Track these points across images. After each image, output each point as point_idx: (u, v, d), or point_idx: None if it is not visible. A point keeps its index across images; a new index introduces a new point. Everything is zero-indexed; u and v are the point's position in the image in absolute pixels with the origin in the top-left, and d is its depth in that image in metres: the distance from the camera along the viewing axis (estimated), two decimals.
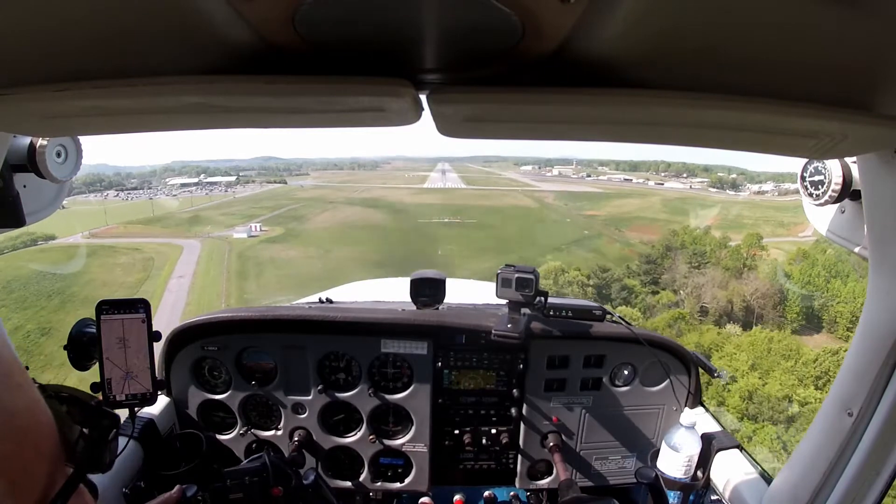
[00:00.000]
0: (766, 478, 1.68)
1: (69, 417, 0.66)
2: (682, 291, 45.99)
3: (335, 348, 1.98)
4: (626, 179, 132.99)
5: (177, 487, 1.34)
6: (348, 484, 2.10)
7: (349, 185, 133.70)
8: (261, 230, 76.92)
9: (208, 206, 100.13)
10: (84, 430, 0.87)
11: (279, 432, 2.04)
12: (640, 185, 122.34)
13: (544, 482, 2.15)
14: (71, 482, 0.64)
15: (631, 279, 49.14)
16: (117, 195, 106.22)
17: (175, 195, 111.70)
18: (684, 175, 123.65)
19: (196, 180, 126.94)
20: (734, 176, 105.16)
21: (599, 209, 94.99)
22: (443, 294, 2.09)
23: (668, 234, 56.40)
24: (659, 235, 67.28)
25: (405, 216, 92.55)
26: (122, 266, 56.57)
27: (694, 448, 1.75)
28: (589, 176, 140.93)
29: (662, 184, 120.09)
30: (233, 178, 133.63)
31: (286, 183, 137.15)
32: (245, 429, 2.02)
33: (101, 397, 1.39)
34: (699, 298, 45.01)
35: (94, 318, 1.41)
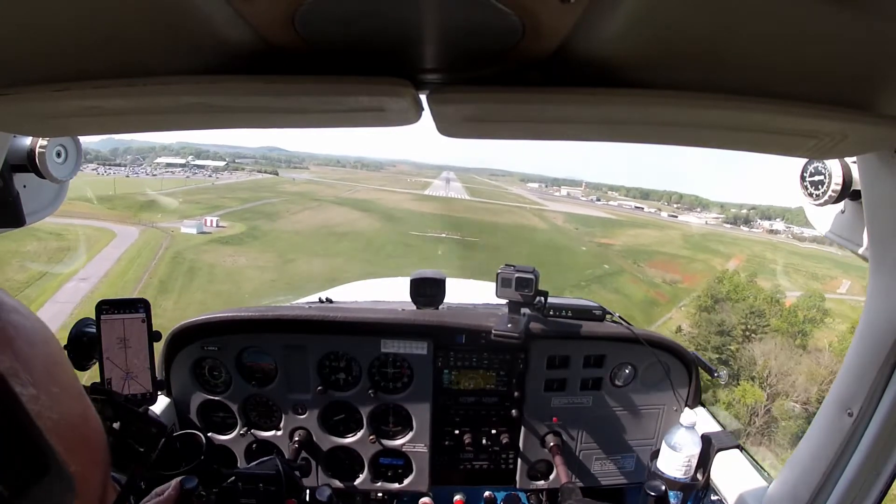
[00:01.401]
0: (766, 478, 1.68)
1: (103, 419, 0.68)
2: (762, 375, 31.81)
3: (335, 348, 1.98)
4: (637, 207, 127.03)
5: (174, 482, 1.31)
6: (348, 484, 2.10)
7: (343, 184, 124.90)
8: (216, 226, 63.62)
9: (177, 191, 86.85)
10: (129, 438, 0.88)
11: (279, 432, 2.04)
12: (652, 216, 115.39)
13: (544, 483, 2.15)
14: (125, 494, 0.67)
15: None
16: (95, 169, 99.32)
17: (155, 175, 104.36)
18: (698, 209, 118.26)
19: (184, 161, 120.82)
20: (745, 211, 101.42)
21: (614, 237, 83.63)
22: (443, 294, 2.09)
23: (712, 281, 45.28)
24: (682, 274, 59.41)
25: (397, 225, 79.84)
26: (25, 256, 44.58)
27: (694, 448, 1.75)
28: (599, 200, 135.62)
29: (676, 216, 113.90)
30: (222, 164, 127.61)
31: (277, 174, 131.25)
32: (245, 429, 2.02)
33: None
34: (786, 395, 31.97)
35: (95, 318, 1.42)
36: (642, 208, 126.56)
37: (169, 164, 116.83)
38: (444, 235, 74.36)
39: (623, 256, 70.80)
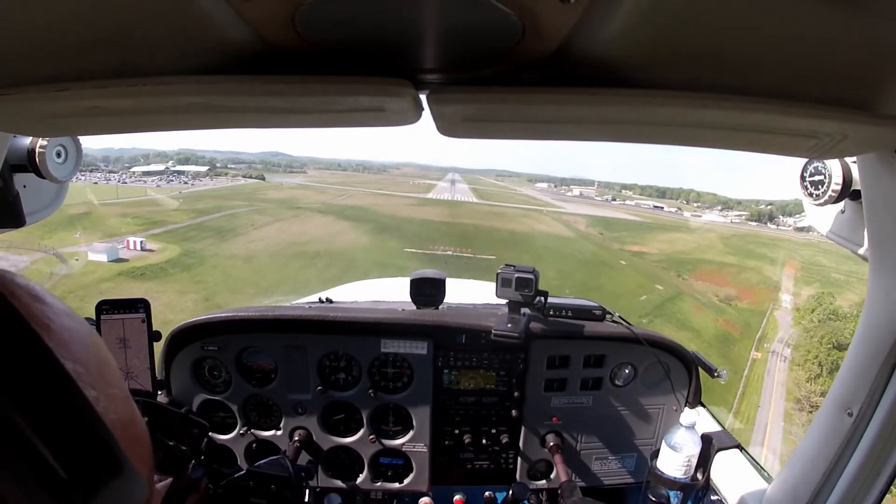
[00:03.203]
0: (766, 478, 1.68)
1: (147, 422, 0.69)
2: None
3: (335, 348, 1.98)
4: (656, 207, 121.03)
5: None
6: (349, 484, 2.10)
7: (337, 188, 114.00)
8: (141, 248, 49.49)
9: (129, 200, 73.82)
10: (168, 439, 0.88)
11: (279, 432, 2.04)
12: (676, 216, 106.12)
13: (544, 482, 2.15)
14: (174, 493, 0.68)
15: None
16: None
17: (126, 182, 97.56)
18: (718, 207, 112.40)
19: (162, 168, 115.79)
20: (769, 207, 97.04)
21: (646, 244, 71.98)
22: (443, 294, 2.09)
23: (823, 315, 33.75)
24: (736, 288, 49.30)
25: (390, 238, 64.91)
26: None
27: (694, 448, 1.75)
28: (614, 199, 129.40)
29: (700, 216, 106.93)
30: (203, 169, 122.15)
31: (264, 179, 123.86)
32: (245, 429, 2.02)
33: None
34: None
35: (95, 318, 1.42)
36: (662, 207, 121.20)
37: (146, 173, 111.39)
38: (450, 252, 57.29)
39: (664, 268, 59.63)
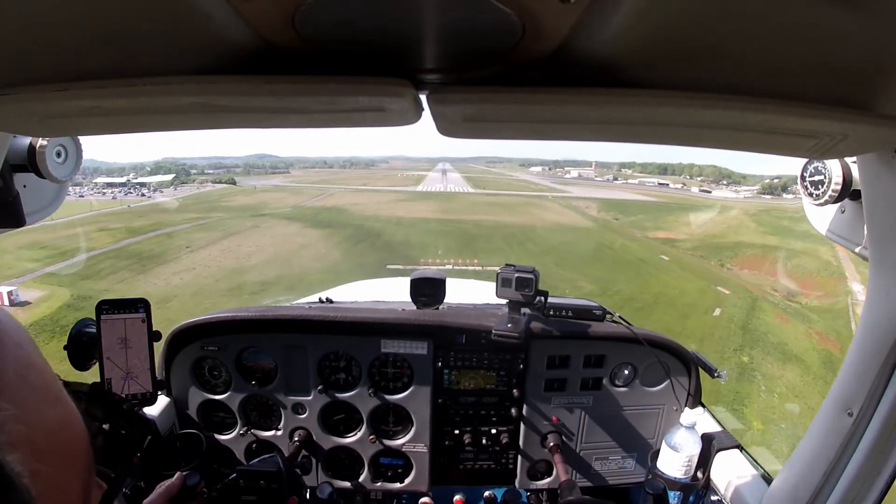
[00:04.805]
0: (766, 478, 1.68)
1: (90, 418, 0.66)
2: None
3: (335, 348, 1.98)
4: (661, 184, 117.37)
5: (177, 475, 1.30)
6: (348, 484, 2.10)
7: (316, 187, 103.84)
8: (10, 303, 31.20)
9: (56, 223, 52.06)
10: (104, 426, 0.86)
11: (279, 432, 2.05)
12: (685, 192, 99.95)
13: (544, 482, 2.15)
14: (110, 493, 0.64)
15: None
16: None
17: (83, 196, 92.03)
18: (724, 182, 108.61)
19: (124, 180, 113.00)
20: (776, 181, 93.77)
21: (671, 228, 61.73)
22: (443, 294, 2.09)
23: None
24: (793, 278, 38.83)
25: (369, 249, 52.07)
26: None
27: (694, 448, 1.76)
28: (616, 179, 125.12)
29: (710, 192, 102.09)
30: (169, 178, 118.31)
31: (234, 183, 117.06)
32: (245, 429, 2.03)
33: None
34: None
35: (95, 318, 1.41)
36: (667, 184, 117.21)
37: (108, 184, 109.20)
38: (450, 266, 44.34)
39: (702, 257, 49.30)
